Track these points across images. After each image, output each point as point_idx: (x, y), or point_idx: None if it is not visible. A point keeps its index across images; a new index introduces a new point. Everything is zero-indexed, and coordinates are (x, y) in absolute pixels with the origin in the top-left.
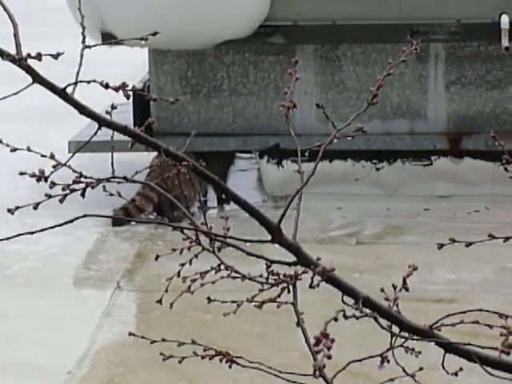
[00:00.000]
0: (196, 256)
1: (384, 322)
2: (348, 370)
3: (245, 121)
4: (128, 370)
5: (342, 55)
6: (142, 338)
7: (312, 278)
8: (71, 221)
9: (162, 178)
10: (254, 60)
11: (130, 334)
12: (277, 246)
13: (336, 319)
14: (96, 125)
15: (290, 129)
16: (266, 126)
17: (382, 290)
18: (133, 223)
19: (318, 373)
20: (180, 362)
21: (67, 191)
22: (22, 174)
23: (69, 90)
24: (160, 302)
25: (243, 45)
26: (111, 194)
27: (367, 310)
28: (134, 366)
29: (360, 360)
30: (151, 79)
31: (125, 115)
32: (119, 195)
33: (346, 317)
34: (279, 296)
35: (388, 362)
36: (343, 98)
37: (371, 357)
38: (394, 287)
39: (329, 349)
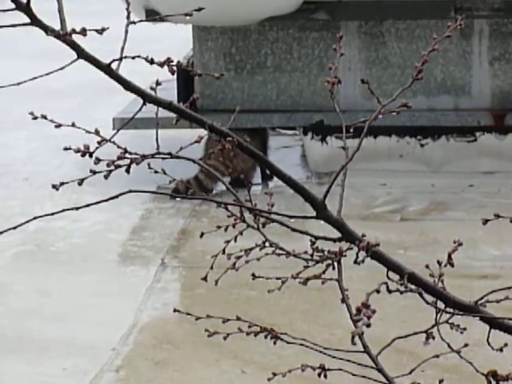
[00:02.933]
0: (241, 233)
1: (429, 298)
2: (393, 346)
3: (289, 97)
4: (173, 347)
5: (386, 31)
6: (187, 314)
7: (357, 254)
8: (116, 196)
9: (207, 154)
10: (298, 36)
11: (175, 310)
12: (321, 222)
13: (378, 291)
14: (140, 101)
15: (334, 105)
16: (310, 103)
17: (427, 267)
18: (178, 199)
19: (355, 339)
20: (225, 338)
21: (112, 167)
22: (66, 149)
23: (114, 66)
24: (205, 279)
25: (287, 21)
26: (156, 172)
27: (412, 286)
28: (179, 342)
29: (405, 336)
30: (195, 56)
31: (169, 92)
32: (164, 173)
33: (389, 291)
34: (324, 272)
35: (433, 338)
36: (387, 74)
37: (416, 333)
38: (439, 263)
39: (369, 318)
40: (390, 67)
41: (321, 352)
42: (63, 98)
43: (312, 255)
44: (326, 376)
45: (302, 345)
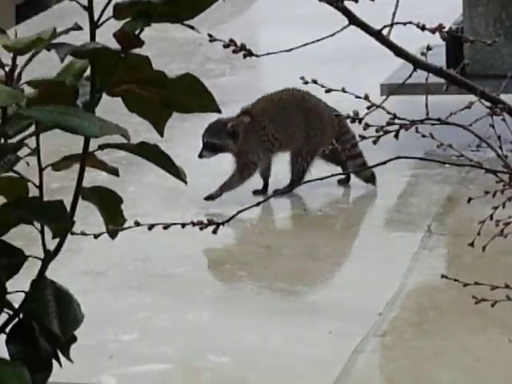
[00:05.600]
0: (509, 199)
1: None
2: None
3: None
4: (438, 314)
5: None
6: (455, 280)
7: None
8: (385, 162)
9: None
10: None
11: (443, 276)
12: None
13: None
14: (408, 67)
15: None
16: None
17: None
18: (446, 166)
19: None
20: (492, 305)
21: (381, 133)
22: (336, 115)
23: (384, 32)
24: (472, 245)
25: None
26: (424, 136)
27: None
28: (445, 309)
29: None
30: (465, 21)
31: (436, 57)
32: (432, 137)
33: None
34: None
35: None
36: None
37: None
38: None
39: None
40: None
41: None
42: (333, 64)
43: None
44: None
45: None
